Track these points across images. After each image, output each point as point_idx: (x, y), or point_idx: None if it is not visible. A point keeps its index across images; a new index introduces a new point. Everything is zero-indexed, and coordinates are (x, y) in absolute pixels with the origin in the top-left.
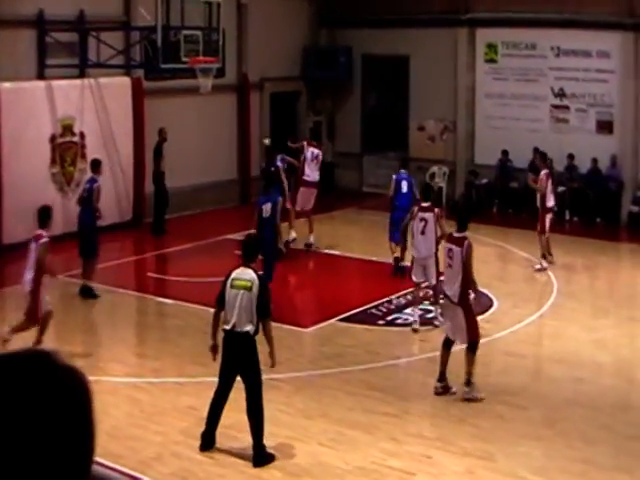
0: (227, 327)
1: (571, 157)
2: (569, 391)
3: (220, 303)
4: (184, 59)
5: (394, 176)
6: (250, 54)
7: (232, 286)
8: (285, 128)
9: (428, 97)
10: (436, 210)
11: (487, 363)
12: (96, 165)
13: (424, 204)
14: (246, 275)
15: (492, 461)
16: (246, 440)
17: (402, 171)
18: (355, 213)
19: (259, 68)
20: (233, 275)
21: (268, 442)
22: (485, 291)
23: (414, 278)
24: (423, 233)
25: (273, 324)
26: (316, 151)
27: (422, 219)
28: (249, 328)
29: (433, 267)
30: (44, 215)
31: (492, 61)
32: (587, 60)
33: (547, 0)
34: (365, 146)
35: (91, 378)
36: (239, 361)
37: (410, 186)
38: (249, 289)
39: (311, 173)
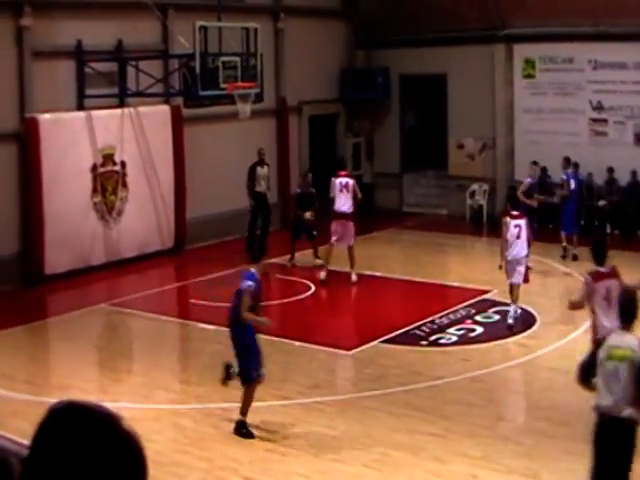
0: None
1: (610, 170)
2: None
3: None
4: (222, 85)
5: (563, 176)
6: (288, 78)
7: (609, 357)
8: (324, 150)
9: (466, 115)
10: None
11: (530, 380)
12: None
13: (514, 212)
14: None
15: (536, 478)
16: None
17: (569, 170)
18: (395, 233)
19: (297, 91)
20: (609, 342)
21: (312, 465)
22: (528, 307)
23: (511, 279)
24: (519, 237)
25: (316, 347)
26: (344, 180)
27: (516, 225)
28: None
29: (524, 267)
30: None
31: (530, 76)
32: (624, 72)
33: (582, 13)
34: (404, 166)
35: (135, 405)
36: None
37: (579, 183)
38: (630, 360)
39: (340, 203)
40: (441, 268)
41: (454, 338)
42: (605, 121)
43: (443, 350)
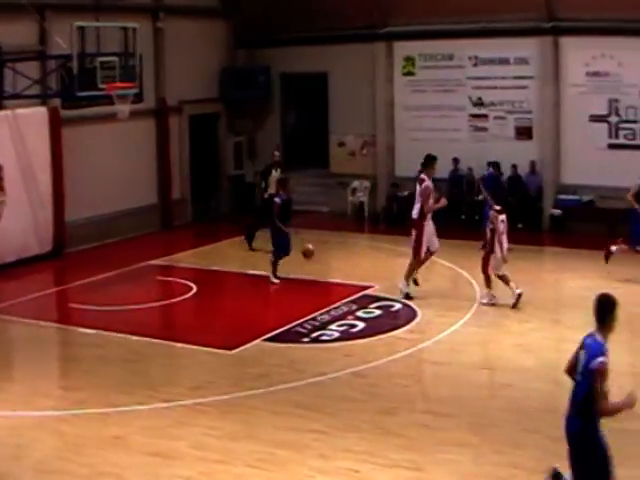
0: None
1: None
2: (495, 397)
3: None
4: (101, 86)
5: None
6: (168, 77)
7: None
8: (205, 150)
9: (347, 112)
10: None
11: (413, 373)
12: None
13: (498, 207)
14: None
15: (420, 471)
16: None
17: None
18: None
19: (177, 91)
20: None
21: (196, 467)
22: (409, 302)
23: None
24: (504, 232)
25: (197, 348)
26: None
27: (503, 220)
28: None
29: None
30: None
31: (410, 74)
32: (505, 67)
33: (462, 10)
34: (286, 164)
35: (16, 413)
36: None
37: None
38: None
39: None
40: (323, 265)
41: (336, 334)
42: (485, 116)
43: (325, 346)
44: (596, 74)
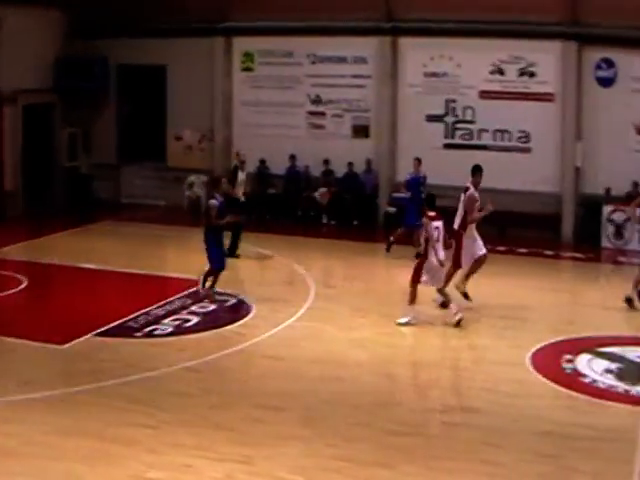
0: None
1: (327, 162)
2: (328, 391)
3: None
4: None
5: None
6: (2, 66)
7: None
8: (39, 141)
9: (185, 106)
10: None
11: (245, 368)
12: None
13: (432, 213)
14: None
15: (250, 464)
16: None
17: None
18: (113, 225)
19: (12, 80)
20: None
21: (26, 464)
22: (243, 297)
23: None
24: (438, 240)
25: (27, 342)
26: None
27: (436, 228)
28: None
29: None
30: None
31: (249, 69)
32: (344, 66)
33: (302, 8)
34: (122, 157)
35: None
36: None
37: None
38: None
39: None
40: (158, 260)
41: (170, 329)
42: (323, 114)
43: (158, 341)
44: (434, 74)
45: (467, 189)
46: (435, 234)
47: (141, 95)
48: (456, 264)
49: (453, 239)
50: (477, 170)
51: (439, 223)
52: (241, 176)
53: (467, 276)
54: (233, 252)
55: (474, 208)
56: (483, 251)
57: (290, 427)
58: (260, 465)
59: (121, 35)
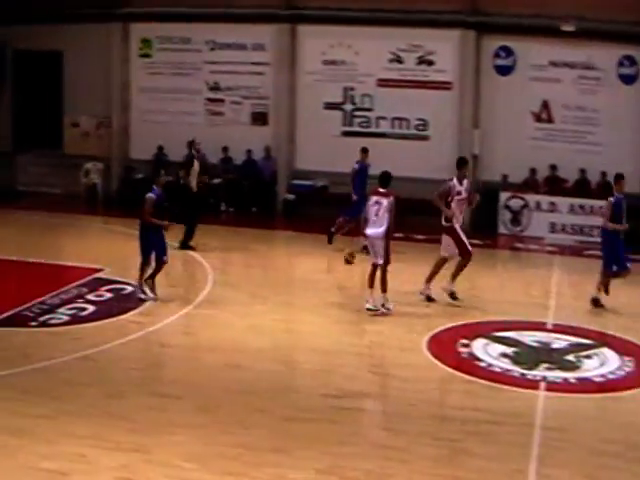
0: None
1: (226, 149)
2: (225, 378)
3: None
4: None
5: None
6: None
7: None
8: None
9: (82, 93)
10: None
11: (143, 356)
12: None
13: (380, 189)
14: None
15: (147, 453)
16: None
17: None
18: (8, 213)
19: None
20: None
21: None
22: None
23: (374, 259)
24: (377, 215)
25: None
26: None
27: (376, 202)
28: None
29: (381, 248)
30: None
31: (147, 56)
32: (242, 53)
33: None
34: (17, 145)
35: None
36: None
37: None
38: None
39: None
40: (55, 248)
41: (65, 318)
42: (222, 101)
43: (54, 330)
44: (332, 62)
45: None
46: (373, 209)
47: (37, 81)
48: (465, 254)
49: (447, 234)
50: (462, 163)
51: (381, 199)
52: (195, 165)
53: (454, 275)
54: (186, 244)
55: (442, 199)
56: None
57: (187, 415)
58: (156, 454)
59: (17, 21)
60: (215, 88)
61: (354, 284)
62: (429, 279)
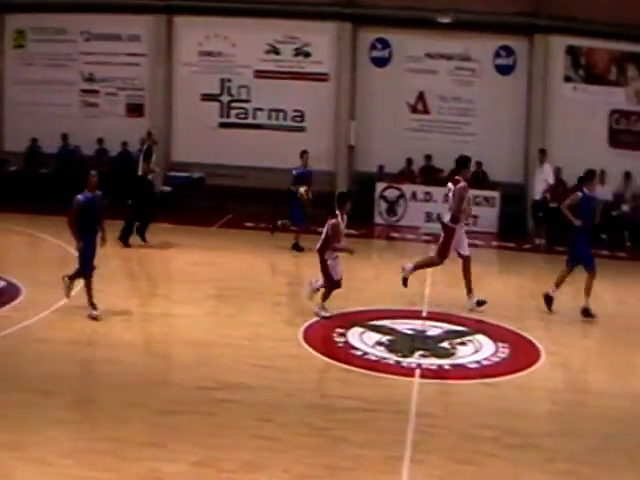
0: None
1: (100, 141)
2: (100, 372)
3: None
4: None
5: None
6: None
7: None
8: None
9: None
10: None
11: (15, 352)
12: None
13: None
14: None
15: (20, 450)
16: None
17: None
18: None
19: None
20: None
21: None
22: (11, 279)
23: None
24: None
25: None
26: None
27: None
28: None
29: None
30: None
31: (20, 47)
32: (118, 44)
33: None
34: None
35: None
36: None
37: None
38: None
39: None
40: None
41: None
42: (97, 92)
43: None
44: (209, 54)
45: (457, 181)
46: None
47: None
48: (441, 255)
49: (443, 233)
50: (464, 164)
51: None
52: (154, 158)
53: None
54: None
55: (464, 201)
56: (467, 252)
57: (61, 411)
58: (30, 451)
59: None
60: (90, 79)
61: (233, 276)
62: (468, 289)
